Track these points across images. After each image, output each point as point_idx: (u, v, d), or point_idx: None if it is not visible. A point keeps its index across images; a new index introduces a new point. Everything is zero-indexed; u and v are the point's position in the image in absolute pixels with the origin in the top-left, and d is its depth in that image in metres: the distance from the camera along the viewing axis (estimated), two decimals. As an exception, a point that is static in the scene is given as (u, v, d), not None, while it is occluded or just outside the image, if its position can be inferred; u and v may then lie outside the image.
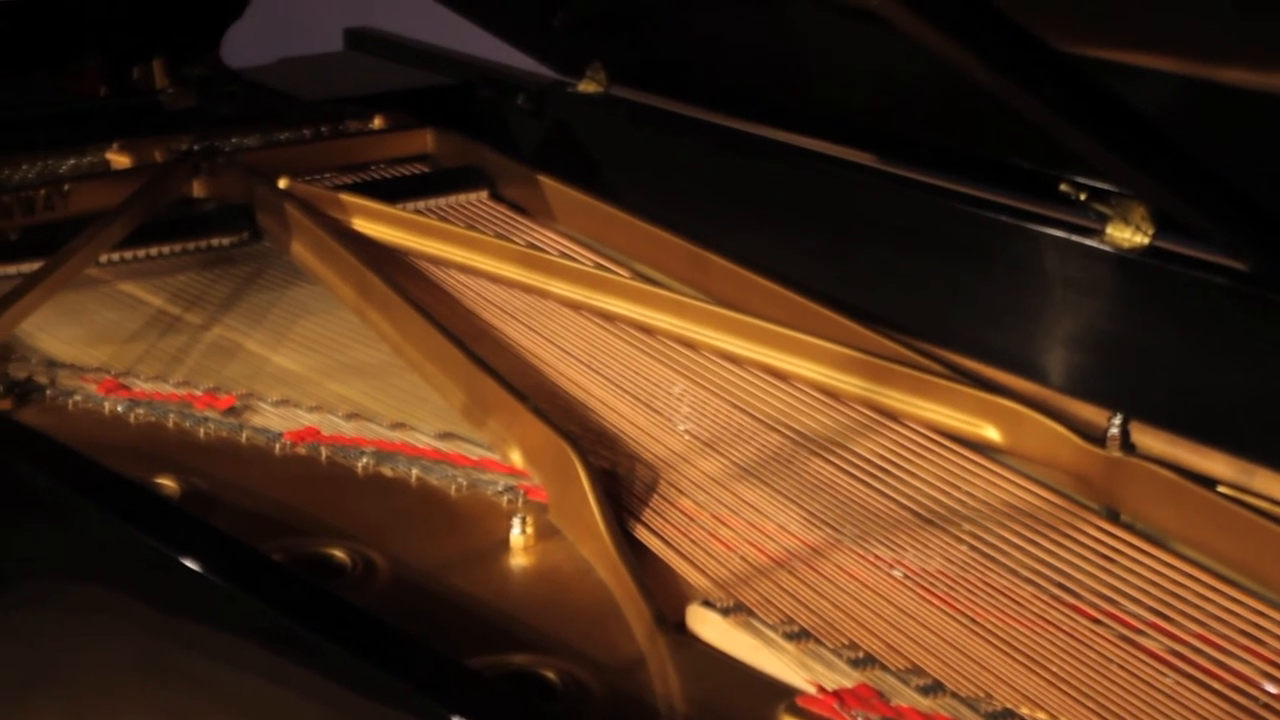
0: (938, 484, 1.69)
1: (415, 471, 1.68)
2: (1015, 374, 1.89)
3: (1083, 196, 1.91)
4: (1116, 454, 1.65)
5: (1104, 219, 1.91)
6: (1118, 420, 1.66)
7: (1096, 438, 1.67)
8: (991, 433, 1.76)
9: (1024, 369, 1.91)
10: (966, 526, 1.61)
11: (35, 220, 2.25)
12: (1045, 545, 1.58)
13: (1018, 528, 1.61)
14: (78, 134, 2.47)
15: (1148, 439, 1.71)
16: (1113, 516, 1.63)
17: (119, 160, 2.44)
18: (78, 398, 1.80)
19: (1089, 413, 1.79)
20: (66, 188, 2.29)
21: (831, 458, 1.74)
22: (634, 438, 1.78)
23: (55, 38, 2.62)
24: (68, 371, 1.86)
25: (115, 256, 2.18)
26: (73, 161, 2.41)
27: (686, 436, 1.78)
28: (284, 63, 2.94)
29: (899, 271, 2.08)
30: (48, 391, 1.82)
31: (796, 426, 1.81)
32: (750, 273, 2.04)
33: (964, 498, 1.67)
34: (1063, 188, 1.91)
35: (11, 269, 2.10)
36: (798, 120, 2.29)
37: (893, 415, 1.82)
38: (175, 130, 2.50)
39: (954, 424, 1.78)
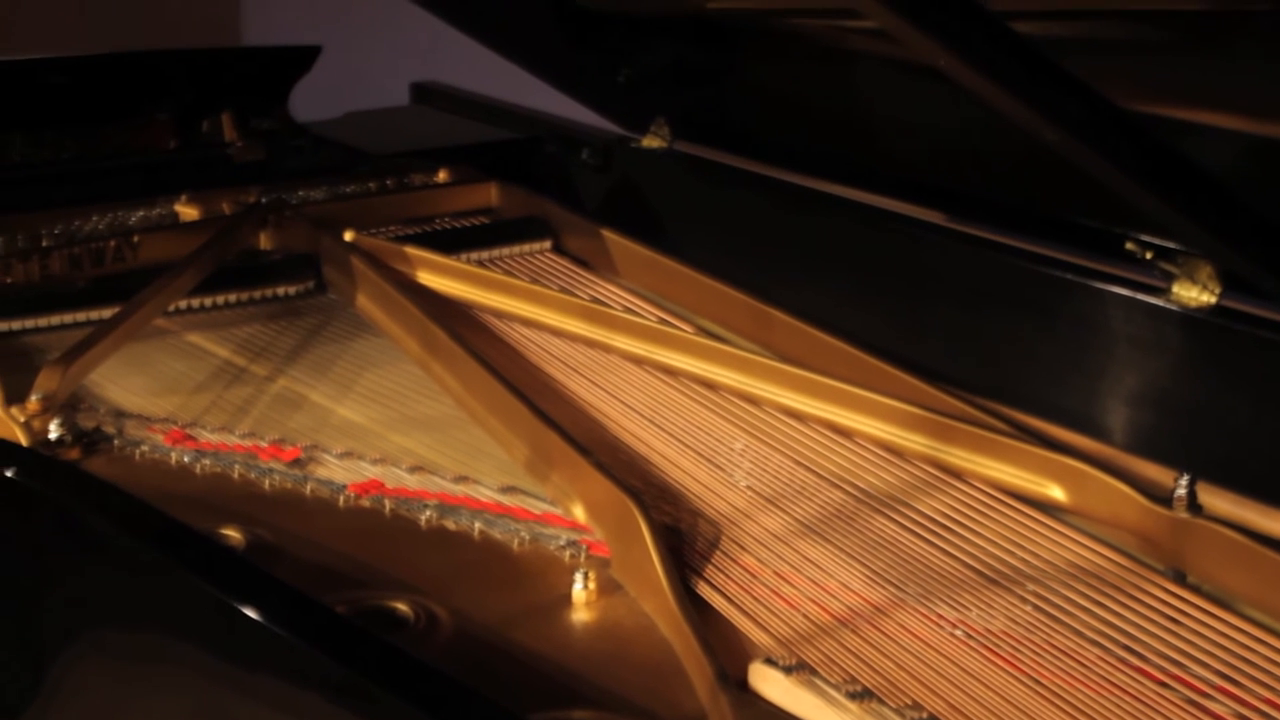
0: (1002, 543, 1.68)
1: (478, 525, 1.68)
2: (1080, 433, 1.88)
3: (1149, 255, 1.90)
4: (1183, 515, 1.63)
5: (1170, 278, 1.90)
6: (1184, 481, 1.65)
7: (1163, 498, 1.66)
8: (1056, 492, 1.75)
9: (1089, 428, 1.90)
10: (1031, 586, 1.60)
11: (105, 271, 2.27)
12: (1111, 606, 1.56)
13: (1083, 588, 1.59)
14: (147, 186, 2.50)
15: (1215, 500, 1.69)
16: (1179, 578, 1.62)
17: (187, 212, 2.46)
18: (145, 448, 1.82)
19: (1155, 472, 1.78)
20: (136, 239, 2.31)
21: (895, 515, 1.74)
22: (696, 493, 1.78)
23: (127, 92, 2.65)
24: (135, 421, 1.88)
25: (183, 305, 2.20)
26: (142, 213, 2.44)
27: (749, 492, 1.78)
28: (351, 116, 2.97)
29: (963, 329, 2.07)
30: (115, 441, 1.83)
31: (860, 484, 1.80)
32: (814, 329, 2.04)
33: (1028, 557, 1.66)
34: (1129, 246, 1.91)
35: (81, 316, 2.13)
36: (862, 176, 2.29)
37: (957, 473, 1.81)
38: (243, 182, 2.53)
39: (1018, 483, 1.77)
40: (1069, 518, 1.73)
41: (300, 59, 2.71)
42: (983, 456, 1.80)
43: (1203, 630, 1.52)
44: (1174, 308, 1.89)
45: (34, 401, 1.82)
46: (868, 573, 1.62)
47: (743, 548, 1.66)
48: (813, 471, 1.83)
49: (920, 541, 1.68)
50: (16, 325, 2.12)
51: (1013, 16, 1.72)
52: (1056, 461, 1.75)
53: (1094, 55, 1.85)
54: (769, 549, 1.66)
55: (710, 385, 2.02)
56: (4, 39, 3.44)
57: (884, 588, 1.59)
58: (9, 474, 1.57)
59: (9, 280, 2.20)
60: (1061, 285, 1.97)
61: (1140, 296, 1.91)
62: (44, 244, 2.29)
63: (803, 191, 2.33)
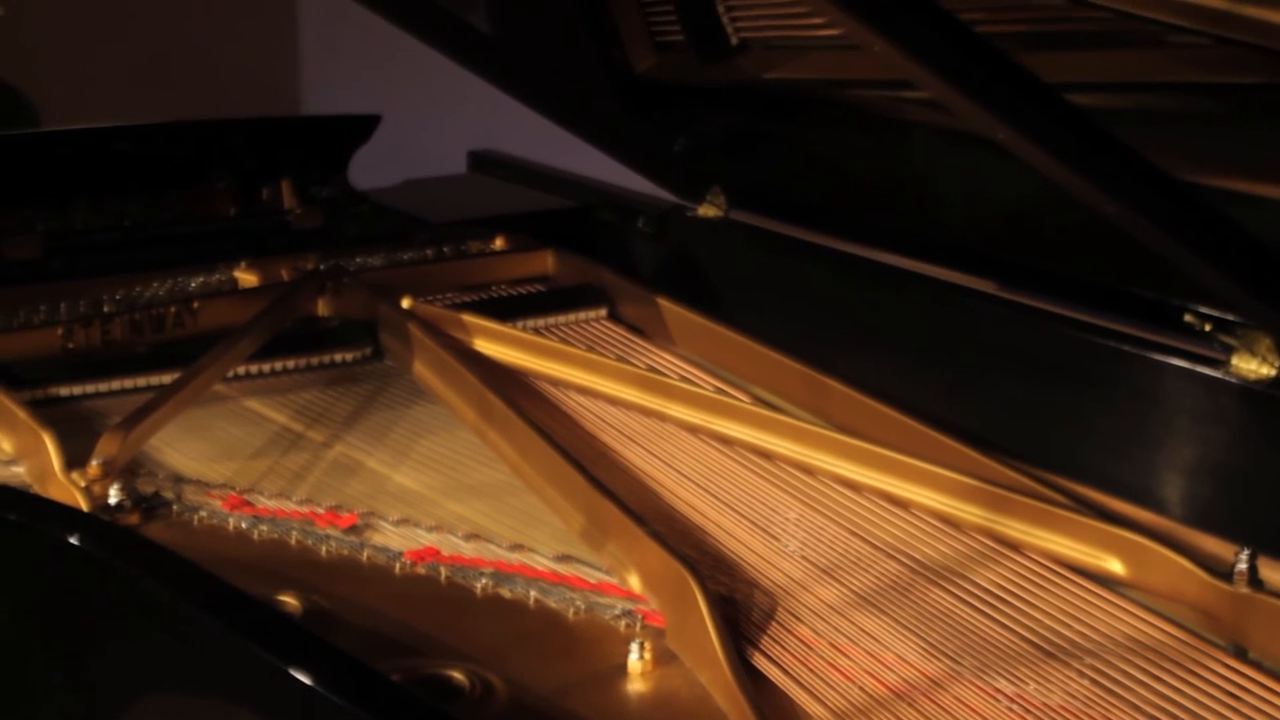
0: (1059, 616, 1.67)
1: (534, 593, 1.68)
2: (1138, 505, 1.87)
3: (1208, 327, 1.89)
4: (1244, 590, 1.62)
5: (1229, 350, 1.89)
6: (1245, 555, 1.63)
7: (1223, 572, 1.64)
8: (1114, 565, 1.74)
9: (1147, 500, 1.89)
10: (1089, 661, 1.59)
11: (165, 336, 2.29)
12: (1170, 682, 1.55)
13: (1142, 663, 1.58)
14: (208, 252, 2.53)
15: (1276, 574, 1.68)
16: (1240, 654, 1.60)
17: (247, 278, 2.49)
18: (203, 513, 1.83)
19: (1214, 546, 1.76)
20: (196, 305, 2.34)
21: (951, 587, 1.73)
22: (752, 563, 1.77)
23: (189, 160, 2.68)
24: (194, 487, 1.89)
25: (241, 371, 2.22)
26: (202, 279, 2.46)
27: (804, 563, 1.78)
28: (409, 184, 3.00)
29: (1020, 400, 2.07)
30: (174, 506, 1.85)
31: (915, 555, 1.80)
32: (869, 398, 2.04)
33: (1086, 631, 1.64)
34: (1187, 318, 1.90)
35: (141, 381, 2.15)
36: (917, 246, 2.29)
37: (1013, 545, 1.80)
38: (302, 249, 2.55)
39: (1076, 555, 1.76)
40: (1127, 591, 1.71)
41: (360, 128, 2.74)
42: (1040, 529, 1.79)
43: (1264, 707, 1.50)
44: (1233, 380, 1.88)
45: (94, 466, 1.84)
46: (924, 645, 1.61)
47: (798, 619, 1.65)
48: (868, 542, 1.83)
49: (977, 614, 1.67)
50: (78, 390, 2.14)
51: (1070, 89, 1.72)
52: (1114, 534, 1.74)
53: (1151, 127, 1.85)
54: (825, 620, 1.65)
55: (765, 454, 2.02)
56: (69, 108, 3.49)
57: (940, 660, 1.58)
58: (72, 540, 1.57)
59: (71, 345, 2.23)
60: (1120, 357, 1.96)
61: (1199, 369, 1.90)
62: (106, 309, 2.32)
63: (858, 261, 2.33)
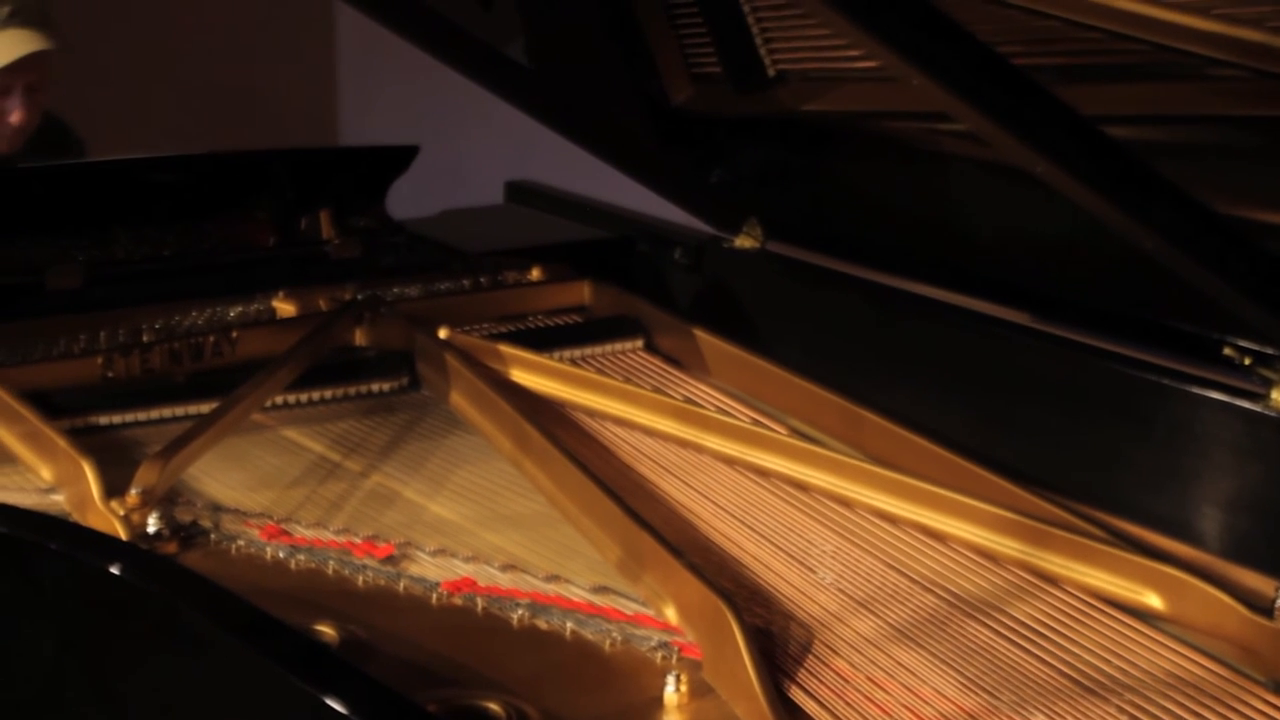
0: (1098, 651, 1.66)
1: (570, 625, 1.68)
2: (1177, 539, 1.86)
3: (1247, 361, 1.88)
4: (1285, 625, 1.61)
5: (1269, 383, 1.88)
6: (1286, 590, 1.63)
7: (1263, 607, 1.63)
8: (1153, 600, 1.73)
9: (1186, 535, 1.88)
10: (1128, 696, 1.58)
11: (204, 366, 2.30)
12: (1209, 718, 1.54)
13: (1181, 699, 1.57)
14: (246, 282, 2.54)
15: (1317, 610, 1.67)
16: (1280, 690, 1.59)
17: (285, 308, 2.50)
18: (241, 542, 1.84)
19: (1254, 580, 1.75)
20: (234, 334, 2.35)
21: (989, 621, 1.72)
22: (788, 596, 1.77)
23: (228, 190, 2.70)
24: (231, 516, 1.90)
25: (279, 400, 2.23)
26: (240, 309, 2.48)
27: (841, 596, 1.77)
28: (446, 214, 3.01)
29: (1058, 433, 2.06)
30: (212, 535, 1.85)
31: (953, 589, 1.79)
32: (906, 431, 2.04)
33: (1125, 666, 1.64)
34: (1226, 351, 1.89)
35: (180, 410, 2.16)
36: (954, 278, 2.29)
37: (1051, 579, 1.80)
38: (340, 279, 2.56)
39: (1114, 590, 1.76)
40: (1166, 626, 1.71)
41: (399, 159, 2.75)
42: (1078, 562, 1.79)
43: (1305, 744, 1.49)
44: (1272, 414, 1.86)
45: (133, 495, 1.85)
46: (961, 679, 1.60)
47: (835, 652, 1.65)
48: (905, 575, 1.82)
49: (1015, 648, 1.67)
50: (117, 418, 2.15)
51: (1108, 121, 1.72)
52: (1154, 569, 1.74)
53: (1190, 160, 1.85)
54: (862, 653, 1.65)
55: (802, 486, 2.01)
56: (111, 139, 3.52)
57: (978, 695, 1.58)
58: (111, 569, 1.58)
59: (111, 374, 2.24)
60: (1158, 390, 1.96)
61: (1238, 402, 1.89)
62: (145, 338, 2.33)
63: (895, 293, 2.33)
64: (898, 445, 2.03)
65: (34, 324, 2.35)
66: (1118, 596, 1.75)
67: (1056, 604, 1.75)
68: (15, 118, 3.07)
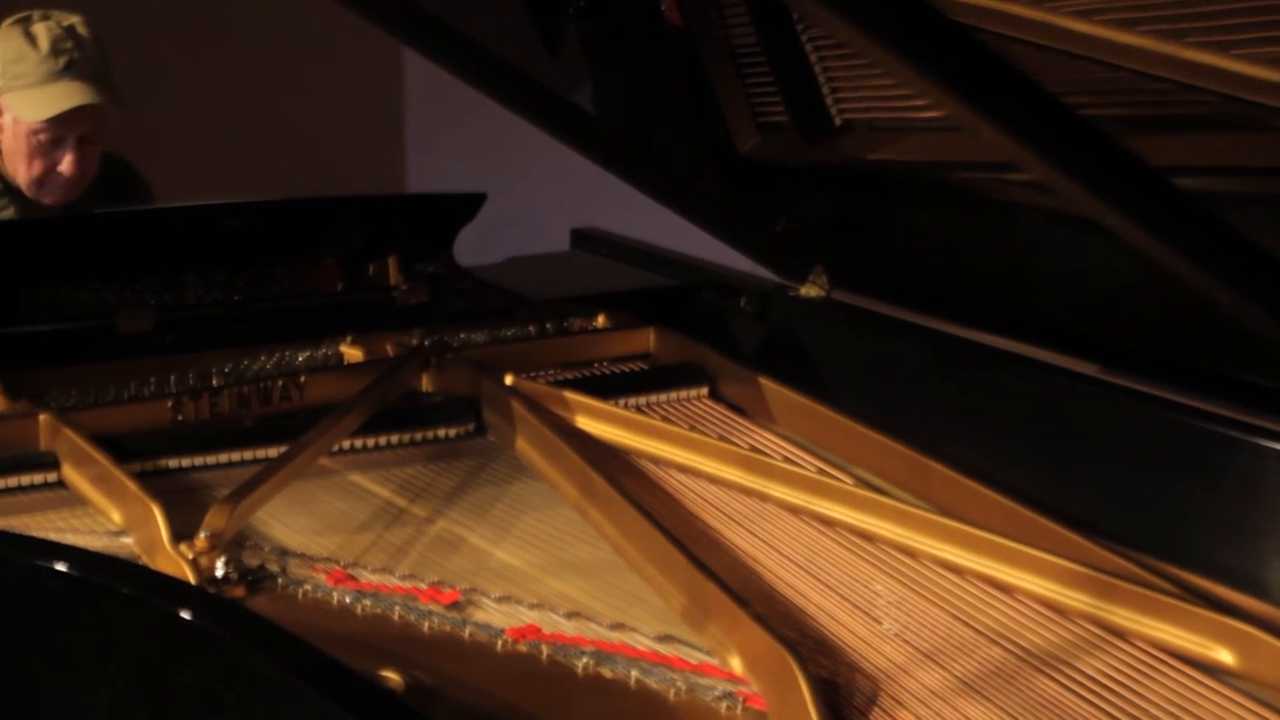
0: (1167, 707, 1.65)
1: (635, 673, 1.68)
2: (1248, 594, 1.84)
3: (1319, 413, 1.87)
4: (1358, 683, 1.59)
5: (1340, 436, 1.86)
6: (1359, 647, 1.61)
7: (1336, 665, 1.61)
8: (1224, 655, 1.71)
9: (1258, 589, 1.85)
10: (1198, 753, 1.56)
11: (272, 410, 2.32)
12: (1282, 776, 1.52)
13: (1253, 756, 1.56)
14: (314, 327, 2.56)
15: (1391, 668, 1.65)
16: (1354, 748, 1.57)
17: (352, 353, 2.51)
18: (307, 587, 1.85)
19: (1327, 637, 1.73)
20: (302, 379, 2.36)
21: (1056, 675, 1.71)
22: (853, 646, 1.76)
23: (298, 236, 2.72)
24: (298, 560, 1.91)
25: (345, 445, 2.24)
26: (308, 354, 2.50)
27: (907, 647, 1.76)
28: (512, 261, 3.02)
29: (1125, 484, 2.04)
30: (279, 580, 1.86)
31: (1020, 641, 1.78)
32: (972, 481, 2.03)
33: (1195, 722, 1.62)
34: (1298, 404, 1.88)
35: (248, 454, 2.18)
36: (1021, 328, 2.28)
37: (1120, 633, 1.78)
38: (407, 325, 2.58)
39: (1184, 644, 1.74)
40: (1237, 682, 1.69)
41: (466, 206, 2.77)
42: (1147, 616, 1.77)
43: (1379, 804, 1.47)
44: (1345, 467, 1.85)
45: (202, 539, 1.86)
46: (1029, 733, 1.59)
47: (901, 704, 1.64)
48: (971, 627, 1.81)
49: (1082, 703, 1.65)
50: (185, 462, 2.17)
51: (1177, 172, 1.71)
52: (1224, 623, 1.72)
53: (1260, 212, 1.83)
54: (927, 706, 1.64)
55: (867, 537, 2.01)
56: (183, 185, 3.56)
57: (1046, 749, 1.56)
58: (182, 614, 1.59)
59: (180, 417, 2.26)
60: (1228, 442, 1.94)
61: (1309, 455, 1.88)
62: (214, 382, 2.35)
63: (962, 343, 2.32)
64: (964, 496, 2.03)
65: (105, 368, 2.38)
66: (1188, 651, 1.73)
67: (1125, 658, 1.74)
68: (66, 168, 3.11)
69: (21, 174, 3.13)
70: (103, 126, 3.16)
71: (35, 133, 3.08)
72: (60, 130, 3.09)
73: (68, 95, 3.05)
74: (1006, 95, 1.67)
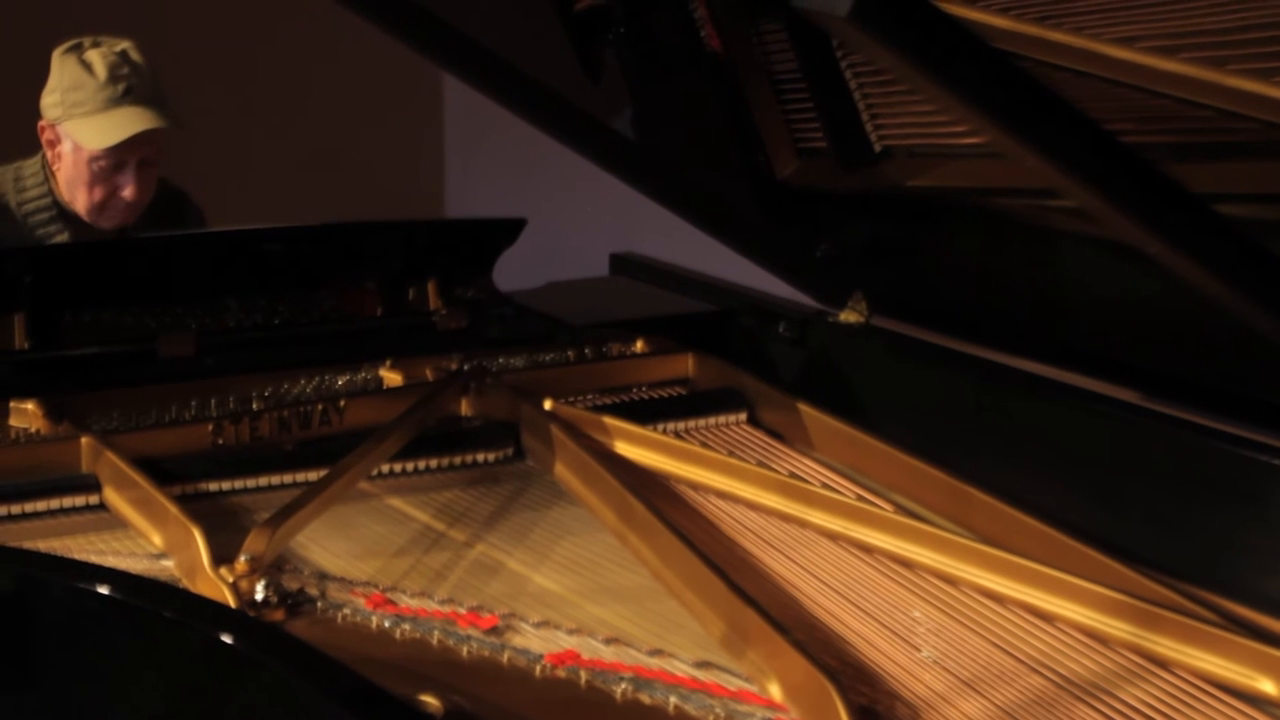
0: (1210, 737, 1.64)
1: (673, 699, 1.67)
2: (1292, 624, 1.83)
3: (1363, 442, 1.86)
4: (1403, 715, 1.58)
5: (1386, 466, 1.85)
6: (1404, 679, 1.59)
7: (1381, 696, 1.60)
8: (1267, 685, 1.70)
9: (1301, 619, 1.85)
10: (1241, 784, 1.55)
11: (311, 434, 2.33)
12: (1327, 808, 1.51)
13: (1296, 788, 1.54)
14: (353, 352, 2.57)
15: None
16: (1400, 781, 1.56)
17: (391, 378, 2.52)
18: (347, 611, 1.85)
19: (1372, 668, 1.72)
20: (342, 403, 2.37)
21: (1097, 704, 1.70)
22: (893, 674, 1.75)
23: (339, 261, 2.73)
24: (337, 584, 1.91)
25: (385, 469, 2.24)
26: (348, 378, 2.50)
27: (947, 675, 1.75)
28: (551, 286, 3.03)
29: (1168, 513, 2.03)
30: (318, 604, 1.87)
31: (1061, 670, 1.77)
32: (1013, 509, 2.02)
33: (1238, 753, 1.61)
34: (1342, 433, 1.86)
35: (288, 478, 2.19)
36: (1062, 354, 2.27)
37: (1162, 663, 1.77)
38: (446, 350, 2.58)
39: (1227, 674, 1.73)
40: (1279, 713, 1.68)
41: (506, 231, 2.78)
42: (1190, 646, 1.76)
43: None
44: (1390, 497, 1.84)
45: (242, 562, 1.87)
46: (1070, 763, 1.58)
47: (941, 732, 1.63)
48: (1012, 655, 1.80)
49: (1124, 732, 1.64)
50: (226, 485, 2.18)
51: (1220, 200, 1.71)
52: (1268, 654, 1.70)
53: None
54: (968, 735, 1.63)
55: (907, 564, 2.00)
56: (225, 210, 3.58)
57: (1087, 780, 1.55)
58: (223, 638, 1.60)
59: (220, 441, 2.27)
60: (1270, 470, 1.93)
61: (1354, 485, 1.86)
62: (254, 406, 2.36)
63: (1002, 370, 2.32)
64: (1005, 523, 2.02)
65: (146, 391, 2.38)
66: (1230, 681, 1.72)
67: (1167, 688, 1.73)
68: (129, 193, 3.13)
69: (81, 200, 3.14)
70: (160, 149, 3.18)
71: (96, 159, 3.09)
72: (121, 155, 3.10)
73: (130, 121, 3.07)
74: (1048, 122, 1.67)
